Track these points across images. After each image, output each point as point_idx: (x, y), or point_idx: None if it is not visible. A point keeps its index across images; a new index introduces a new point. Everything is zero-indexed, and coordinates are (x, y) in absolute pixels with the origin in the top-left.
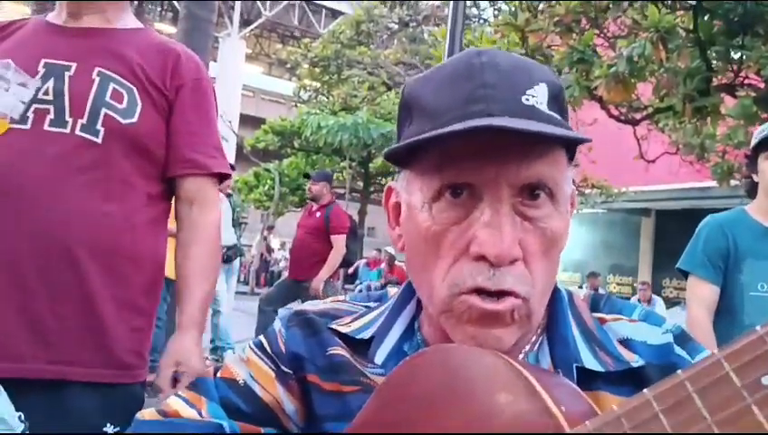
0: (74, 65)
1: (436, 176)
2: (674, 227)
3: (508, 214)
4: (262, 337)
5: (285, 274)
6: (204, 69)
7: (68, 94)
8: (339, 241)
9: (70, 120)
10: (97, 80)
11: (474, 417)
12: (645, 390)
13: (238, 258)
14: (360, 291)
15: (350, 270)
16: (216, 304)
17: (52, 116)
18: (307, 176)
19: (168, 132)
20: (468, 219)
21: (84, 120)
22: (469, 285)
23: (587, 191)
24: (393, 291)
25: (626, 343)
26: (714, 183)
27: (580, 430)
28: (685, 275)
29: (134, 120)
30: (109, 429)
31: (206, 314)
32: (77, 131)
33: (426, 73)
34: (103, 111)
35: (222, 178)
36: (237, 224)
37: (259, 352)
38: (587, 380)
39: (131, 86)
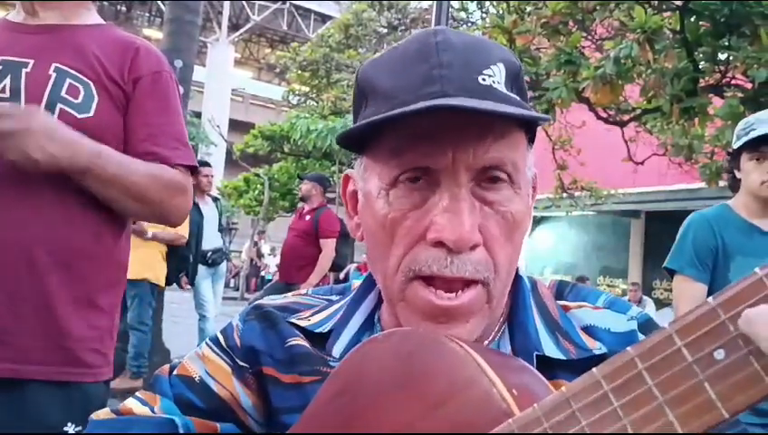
0: (32, 62)
1: (392, 161)
2: (663, 228)
3: (467, 198)
4: (218, 332)
5: (276, 278)
6: (165, 62)
7: (24, 91)
8: (328, 245)
9: None
10: (53, 75)
11: (424, 403)
12: (593, 369)
13: (224, 263)
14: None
15: (342, 275)
16: (202, 310)
17: None
18: (300, 178)
19: (126, 126)
20: (426, 205)
21: None
22: (425, 272)
23: (576, 193)
24: (357, 283)
25: (589, 330)
26: (703, 184)
27: (529, 412)
28: (671, 274)
29: (90, 114)
30: (70, 428)
31: (110, 168)
32: None
33: (380, 55)
34: (58, 106)
35: (191, 171)
36: (227, 229)
37: (215, 348)
38: (547, 368)
39: (88, 81)
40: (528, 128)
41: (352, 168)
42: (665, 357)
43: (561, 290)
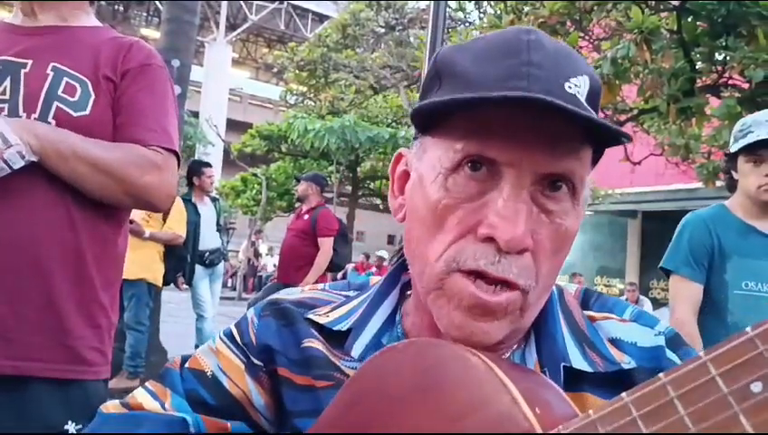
0: (30, 62)
1: (458, 144)
2: (661, 228)
3: (527, 201)
4: (233, 326)
5: (274, 278)
6: (157, 57)
7: (23, 91)
8: (326, 244)
9: (23, 114)
10: (51, 75)
11: (443, 418)
12: (623, 393)
13: (222, 263)
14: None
15: (340, 275)
16: (199, 310)
17: (6, 113)
18: (298, 179)
19: (114, 117)
20: (483, 198)
21: (36, 114)
22: (470, 266)
23: None
24: (375, 280)
25: (615, 343)
26: (700, 184)
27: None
28: (667, 274)
29: (86, 112)
30: (70, 427)
31: (68, 140)
32: None
33: (464, 43)
34: (55, 104)
35: (175, 156)
36: (225, 229)
37: (229, 343)
38: (574, 380)
39: (85, 79)
40: (596, 148)
41: (349, 168)
42: (698, 386)
43: (586, 299)
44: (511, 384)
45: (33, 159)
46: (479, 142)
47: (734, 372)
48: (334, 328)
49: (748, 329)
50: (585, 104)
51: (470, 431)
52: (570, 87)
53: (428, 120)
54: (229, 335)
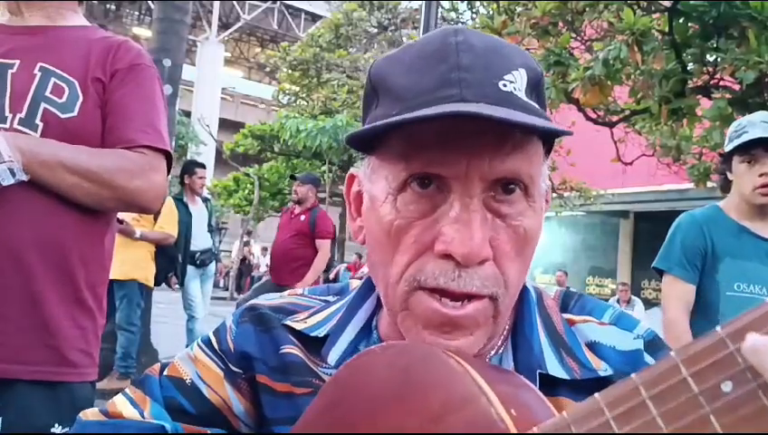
0: (17, 63)
1: (402, 164)
2: (652, 228)
3: (479, 210)
4: (211, 333)
5: (266, 278)
6: (146, 57)
7: (9, 90)
8: (324, 246)
9: (9, 115)
10: (38, 75)
11: (419, 420)
12: (597, 394)
13: (213, 263)
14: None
15: (332, 275)
16: (191, 310)
17: None
18: (293, 178)
19: (103, 117)
20: (435, 214)
21: (23, 115)
22: (431, 284)
23: (566, 194)
24: (355, 284)
25: (594, 346)
26: (691, 185)
27: None
28: (660, 274)
29: (74, 113)
30: (57, 429)
31: (51, 149)
32: (15, 125)
33: (395, 52)
34: (42, 105)
35: (166, 157)
36: (217, 229)
37: (207, 350)
38: (550, 385)
39: (73, 80)
40: (546, 139)
41: (342, 168)
42: (670, 387)
43: (566, 302)
44: (486, 386)
45: (24, 178)
46: (420, 160)
47: (704, 373)
48: (311, 334)
49: (718, 328)
50: (524, 98)
51: (447, 432)
52: (504, 85)
53: (367, 144)
54: (207, 343)
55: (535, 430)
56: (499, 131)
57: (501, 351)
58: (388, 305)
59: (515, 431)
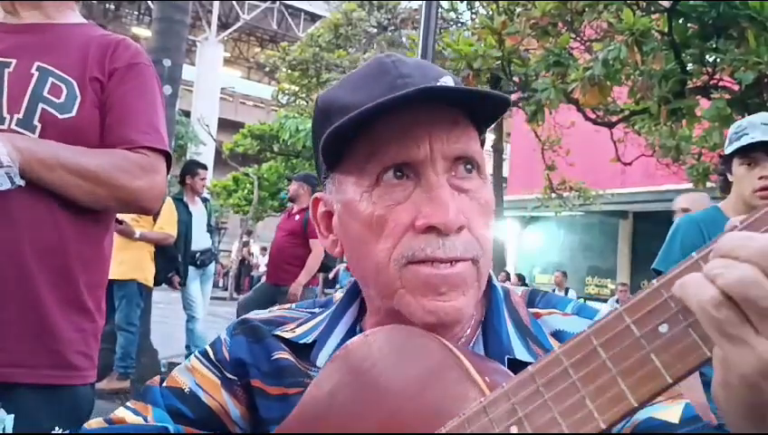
0: (14, 61)
1: (370, 163)
2: (651, 228)
3: (446, 186)
4: (207, 346)
5: (264, 279)
6: (144, 56)
7: (6, 90)
8: (317, 245)
9: (7, 116)
10: (36, 75)
11: (405, 383)
12: (556, 347)
13: (213, 263)
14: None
15: (331, 275)
16: (190, 310)
17: None
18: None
19: (101, 117)
20: (411, 197)
21: (21, 115)
22: (419, 257)
23: (565, 194)
24: (338, 296)
25: (558, 335)
26: (690, 185)
27: (498, 390)
28: (659, 275)
29: (72, 113)
30: (57, 431)
31: (50, 150)
32: (13, 126)
33: (335, 84)
34: (40, 106)
35: (166, 157)
36: (216, 229)
37: (204, 361)
38: (518, 370)
39: (71, 80)
40: (479, 127)
41: None
42: (616, 334)
43: (532, 298)
44: (464, 359)
45: (21, 183)
46: (389, 152)
47: (644, 319)
48: (300, 341)
49: (654, 281)
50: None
51: (434, 397)
52: (440, 83)
53: (335, 156)
54: (204, 354)
55: (504, 385)
56: (449, 117)
57: (472, 341)
58: (383, 291)
59: (488, 390)
